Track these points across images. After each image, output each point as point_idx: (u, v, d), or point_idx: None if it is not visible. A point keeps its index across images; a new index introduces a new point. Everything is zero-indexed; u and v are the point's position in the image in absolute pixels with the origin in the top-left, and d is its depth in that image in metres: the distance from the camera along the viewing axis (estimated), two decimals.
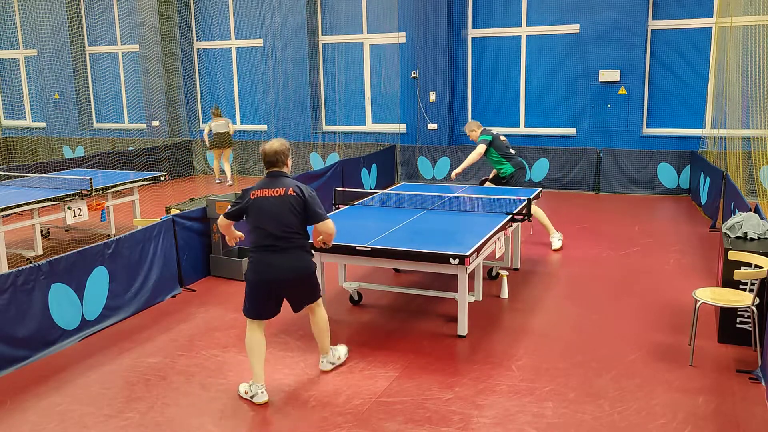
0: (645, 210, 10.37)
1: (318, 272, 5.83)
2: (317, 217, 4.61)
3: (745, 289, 5.09)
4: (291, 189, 4.56)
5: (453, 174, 8.29)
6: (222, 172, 14.06)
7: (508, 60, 13.01)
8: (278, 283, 4.58)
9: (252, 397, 4.57)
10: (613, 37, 11.69)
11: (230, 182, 13.32)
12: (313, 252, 4.73)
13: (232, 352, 5.37)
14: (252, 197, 4.58)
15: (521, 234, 8.02)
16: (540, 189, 7.73)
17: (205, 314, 6.25)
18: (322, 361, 5.05)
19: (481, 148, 8.13)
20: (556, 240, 8.20)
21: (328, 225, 4.66)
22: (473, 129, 8.41)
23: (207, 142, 13.44)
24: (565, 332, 5.62)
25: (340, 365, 5.09)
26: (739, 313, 5.16)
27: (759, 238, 5.35)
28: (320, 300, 4.89)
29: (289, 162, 4.72)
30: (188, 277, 7.09)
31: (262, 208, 4.54)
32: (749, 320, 5.13)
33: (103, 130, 16.51)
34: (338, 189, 7.23)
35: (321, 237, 4.79)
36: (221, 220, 4.76)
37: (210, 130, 13.38)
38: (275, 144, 4.64)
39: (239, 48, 15.16)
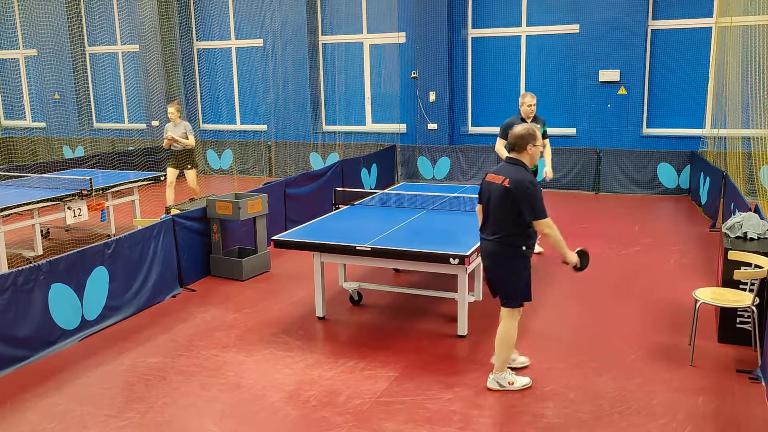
0: (645, 210, 10.37)
1: (318, 272, 5.87)
2: (532, 215, 4.35)
3: (745, 289, 5.09)
4: (507, 180, 4.39)
5: (548, 174, 7.50)
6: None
7: (508, 60, 13.01)
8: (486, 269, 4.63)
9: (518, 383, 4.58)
10: (613, 37, 11.69)
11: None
12: (524, 249, 4.47)
13: (232, 352, 5.37)
14: (485, 179, 4.60)
15: None
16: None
17: (205, 314, 6.25)
18: (489, 377, 4.67)
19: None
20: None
21: (542, 225, 4.38)
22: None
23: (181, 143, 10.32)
24: (565, 332, 5.62)
25: (508, 390, 4.59)
26: (739, 313, 5.16)
27: (759, 238, 5.35)
28: (510, 310, 4.54)
29: (530, 149, 4.46)
30: (188, 277, 7.08)
31: (485, 192, 4.56)
32: (749, 320, 5.13)
33: (103, 130, 16.51)
34: (338, 189, 7.23)
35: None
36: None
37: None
38: (518, 128, 4.52)
39: (239, 48, 15.16)
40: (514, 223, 4.42)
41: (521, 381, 4.64)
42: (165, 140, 10.00)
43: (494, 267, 4.57)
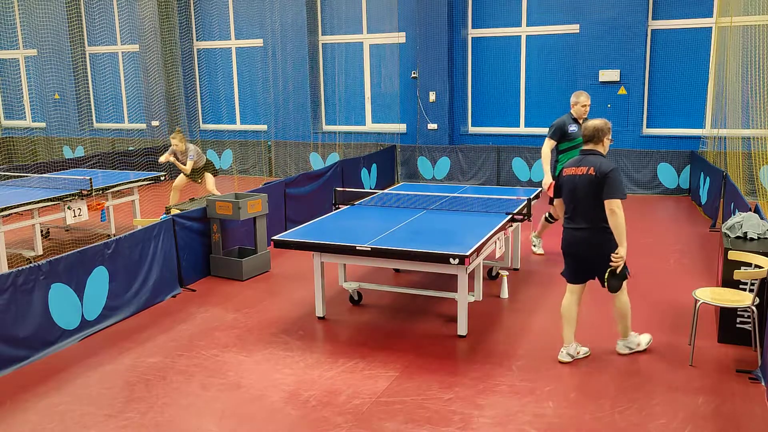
0: (645, 210, 10.37)
1: (318, 272, 5.87)
2: (608, 194, 4.66)
3: (745, 289, 5.09)
4: (591, 168, 4.73)
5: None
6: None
7: (508, 60, 13.01)
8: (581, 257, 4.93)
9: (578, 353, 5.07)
10: (613, 37, 11.69)
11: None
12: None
13: (232, 352, 5.37)
14: (564, 174, 4.93)
15: (521, 234, 8.02)
16: (540, 189, 7.72)
17: (205, 314, 6.25)
18: (619, 344, 5.17)
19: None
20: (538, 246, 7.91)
21: (612, 204, 4.65)
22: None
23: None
24: None
25: (638, 351, 5.14)
26: (739, 313, 5.16)
27: (759, 238, 5.35)
28: (623, 284, 4.92)
29: (605, 141, 4.87)
30: (188, 277, 7.09)
31: (569, 185, 4.89)
32: (749, 320, 5.13)
33: (103, 130, 16.51)
34: (338, 189, 7.23)
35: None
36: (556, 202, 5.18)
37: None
38: (596, 121, 4.89)
39: (239, 48, 15.16)
40: (603, 209, 4.72)
41: (645, 339, 5.22)
42: (165, 155, 9.73)
43: (591, 253, 4.86)
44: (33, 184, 8.81)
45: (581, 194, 4.79)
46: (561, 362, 5.03)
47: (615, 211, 4.64)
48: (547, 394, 4.55)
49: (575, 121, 7.19)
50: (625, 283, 4.93)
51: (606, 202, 4.66)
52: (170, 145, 9.82)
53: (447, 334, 5.61)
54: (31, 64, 17.25)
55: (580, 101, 7.13)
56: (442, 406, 4.42)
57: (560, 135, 7.17)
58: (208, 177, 10.04)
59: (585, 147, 4.90)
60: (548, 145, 7.20)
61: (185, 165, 9.79)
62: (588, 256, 4.88)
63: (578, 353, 5.10)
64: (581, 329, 5.55)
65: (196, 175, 10.00)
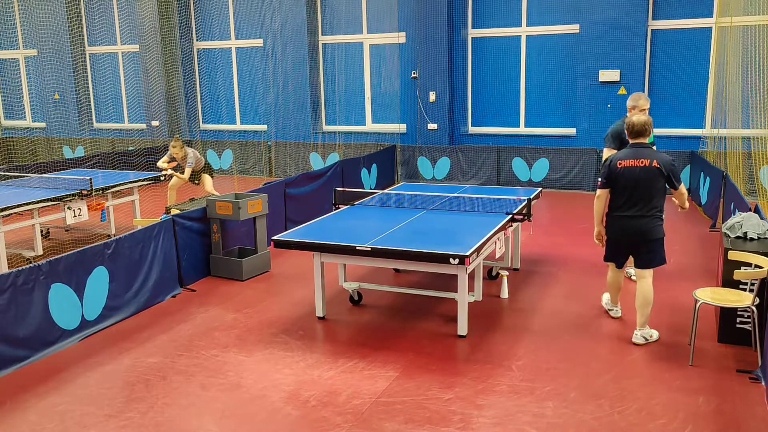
0: None
1: (318, 272, 5.87)
2: (678, 181, 5.31)
3: (745, 289, 5.09)
4: (655, 161, 5.24)
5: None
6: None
7: (508, 60, 13.01)
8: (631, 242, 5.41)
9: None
10: (613, 37, 11.69)
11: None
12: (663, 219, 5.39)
13: (232, 352, 5.37)
14: (619, 166, 5.29)
15: (521, 234, 8.02)
16: (540, 189, 7.73)
17: (205, 314, 6.25)
18: (636, 334, 5.40)
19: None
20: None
21: (682, 190, 5.34)
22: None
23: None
24: (565, 332, 5.62)
25: (652, 342, 5.37)
26: (739, 313, 5.16)
27: (759, 238, 5.35)
28: (651, 271, 5.38)
29: (648, 135, 5.36)
30: (188, 277, 7.08)
31: (628, 176, 5.27)
32: (749, 320, 5.13)
33: (103, 130, 16.51)
34: (338, 189, 7.23)
35: (677, 201, 5.48)
36: (598, 193, 5.48)
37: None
38: (642, 117, 5.30)
39: (239, 48, 15.17)
40: (661, 197, 5.31)
41: (656, 333, 5.47)
42: (163, 161, 9.91)
43: (645, 238, 5.32)
44: (33, 184, 8.80)
45: (643, 185, 5.24)
46: (635, 344, 5.37)
47: (684, 191, 5.38)
48: (547, 394, 4.55)
49: None
50: (653, 270, 5.38)
51: (676, 190, 5.32)
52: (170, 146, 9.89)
53: (447, 334, 5.61)
54: (31, 64, 17.26)
55: (639, 105, 6.19)
56: (442, 406, 4.42)
57: (619, 143, 6.24)
58: (206, 178, 10.13)
59: (636, 140, 5.32)
60: (608, 154, 6.23)
61: (198, 165, 9.93)
62: (639, 241, 5.34)
63: (651, 336, 5.39)
64: (578, 336, 5.55)
65: (194, 177, 10.05)
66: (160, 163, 10.05)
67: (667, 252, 7.55)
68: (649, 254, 5.33)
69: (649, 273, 5.36)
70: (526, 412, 4.31)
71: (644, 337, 5.35)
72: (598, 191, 5.48)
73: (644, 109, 6.25)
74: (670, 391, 4.55)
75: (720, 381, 4.66)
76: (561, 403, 4.41)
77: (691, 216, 9.89)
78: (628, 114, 6.29)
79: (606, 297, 6.08)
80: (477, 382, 4.74)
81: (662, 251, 5.34)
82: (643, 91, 11.86)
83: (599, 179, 5.48)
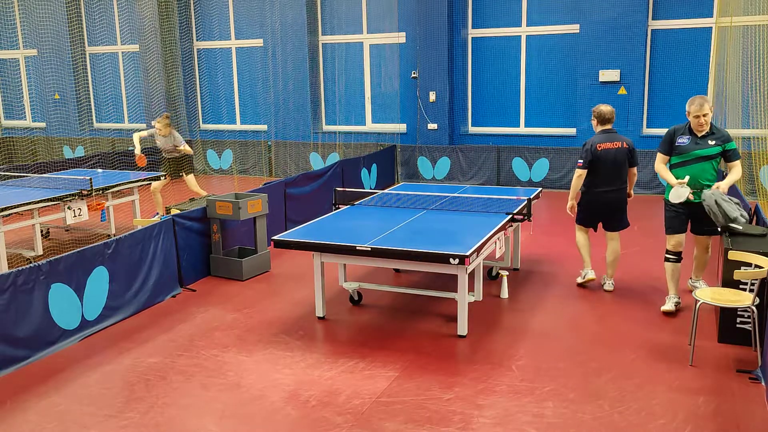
0: (645, 210, 10.36)
1: (318, 272, 5.88)
2: (636, 161, 6.49)
3: (745, 289, 5.09)
4: (624, 142, 6.36)
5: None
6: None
7: (508, 60, 13.01)
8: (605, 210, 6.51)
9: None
10: (613, 37, 11.69)
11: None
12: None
13: (232, 352, 5.38)
14: (599, 149, 6.27)
15: (521, 234, 8.02)
16: (540, 189, 7.73)
17: (205, 314, 6.25)
18: (609, 282, 6.61)
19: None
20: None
21: (635, 171, 6.54)
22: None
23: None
24: (565, 332, 5.62)
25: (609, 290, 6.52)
26: (739, 313, 5.16)
27: (743, 217, 5.41)
28: (619, 233, 6.59)
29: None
30: (188, 277, 7.09)
31: (606, 157, 6.29)
32: (749, 320, 5.13)
33: (103, 130, 16.51)
34: (338, 189, 7.23)
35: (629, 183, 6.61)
36: (579, 173, 6.38)
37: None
38: (609, 107, 6.41)
39: (239, 48, 15.17)
40: (626, 172, 6.44)
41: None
42: (138, 157, 9.96)
43: (617, 208, 6.48)
44: (33, 184, 8.81)
45: (619, 164, 6.31)
46: (607, 291, 6.58)
47: (635, 174, 6.56)
48: (547, 394, 4.55)
49: (691, 132, 5.74)
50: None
51: (635, 167, 6.49)
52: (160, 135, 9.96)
53: (447, 334, 5.61)
54: (31, 64, 17.25)
55: (692, 111, 5.64)
56: (442, 406, 4.42)
57: (668, 147, 5.88)
58: (189, 179, 10.27)
59: (605, 126, 6.38)
60: (661, 161, 5.94)
61: (174, 151, 10.08)
62: (614, 210, 6.46)
63: (585, 276, 6.64)
64: (578, 336, 5.55)
65: (171, 164, 10.16)
66: (135, 135, 10.03)
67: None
68: (621, 220, 6.52)
69: (618, 235, 6.60)
70: (526, 412, 4.31)
71: (612, 284, 6.57)
72: (579, 171, 6.34)
73: (698, 116, 5.59)
74: (670, 391, 4.55)
75: (720, 381, 4.66)
76: (561, 403, 4.41)
77: None
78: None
79: (582, 275, 6.73)
80: (477, 382, 4.74)
81: (627, 217, 6.56)
82: (643, 91, 11.86)
83: (579, 161, 6.32)
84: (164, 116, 10.01)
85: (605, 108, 6.34)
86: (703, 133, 5.65)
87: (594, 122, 6.48)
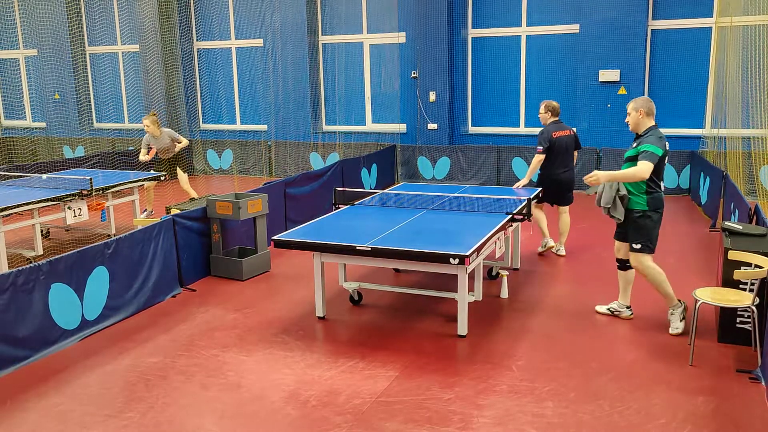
0: None
1: (318, 272, 5.88)
2: (579, 144, 7.84)
3: (745, 289, 5.09)
4: (571, 130, 7.70)
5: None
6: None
7: (508, 60, 13.02)
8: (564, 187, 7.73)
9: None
10: (613, 37, 11.70)
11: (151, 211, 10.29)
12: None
13: (233, 352, 5.38)
14: (554, 136, 7.47)
15: (521, 234, 8.02)
16: (540, 189, 7.72)
17: (205, 314, 6.25)
18: (560, 248, 7.88)
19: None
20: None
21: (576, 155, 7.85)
22: None
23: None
24: (565, 332, 5.62)
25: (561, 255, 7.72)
26: (739, 312, 5.16)
27: (604, 208, 5.46)
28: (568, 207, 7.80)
29: None
30: (188, 277, 7.09)
31: (560, 143, 7.53)
32: (749, 320, 5.13)
33: (103, 130, 16.51)
34: (338, 189, 7.23)
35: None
36: (540, 157, 7.53)
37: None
38: (557, 102, 7.76)
39: (239, 48, 15.17)
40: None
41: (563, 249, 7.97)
42: (143, 153, 9.97)
43: (569, 186, 7.73)
44: (33, 184, 8.81)
45: (570, 148, 7.63)
46: (560, 255, 7.90)
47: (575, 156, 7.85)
48: (547, 394, 4.55)
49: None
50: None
51: (577, 151, 7.83)
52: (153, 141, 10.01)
53: (447, 334, 5.61)
54: (31, 64, 17.26)
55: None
56: (442, 406, 4.42)
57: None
58: (182, 176, 10.32)
59: (556, 118, 7.62)
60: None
61: (171, 149, 10.11)
62: (568, 188, 7.71)
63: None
64: (578, 336, 5.55)
65: (171, 164, 10.22)
66: (142, 157, 10.03)
67: (667, 252, 7.66)
68: (570, 197, 7.77)
69: (568, 208, 7.80)
70: (526, 412, 4.31)
71: (564, 250, 7.83)
72: (539, 156, 7.47)
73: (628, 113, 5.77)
74: (670, 391, 4.55)
75: (720, 381, 4.67)
76: (561, 403, 4.41)
77: (691, 216, 9.89)
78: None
79: (543, 244, 7.86)
80: (477, 382, 4.74)
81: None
82: (643, 92, 11.87)
83: (539, 147, 7.47)
84: (151, 113, 10.01)
85: (556, 103, 7.67)
86: (637, 133, 5.59)
87: (547, 115, 7.63)
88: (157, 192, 12.07)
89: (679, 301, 5.55)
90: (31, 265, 5.23)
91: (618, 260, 5.81)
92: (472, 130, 13.47)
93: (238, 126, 15.45)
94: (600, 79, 11.88)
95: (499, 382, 4.73)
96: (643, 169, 5.19)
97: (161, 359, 5.26)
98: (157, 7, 14.92)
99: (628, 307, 5.89)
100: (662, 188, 5.45)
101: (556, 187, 7.61)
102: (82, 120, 16.62)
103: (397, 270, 7.39)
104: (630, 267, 5.70)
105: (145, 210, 10.04)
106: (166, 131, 10.07)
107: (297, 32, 14.08)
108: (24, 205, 7.51)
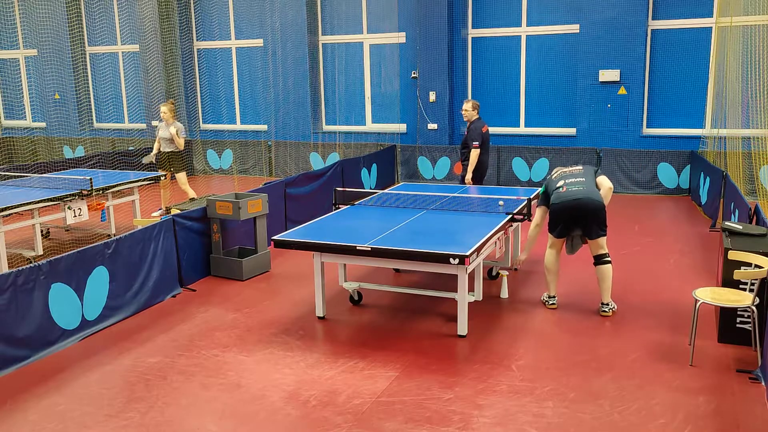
0: (645, 210, 10.37)
1: (318, 272, 5.88)
2: None
3: (745, 289, 5.09)
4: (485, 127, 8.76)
5: None
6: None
7: (508, 60, 13.01)
8: None
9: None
10: (613, 37, 11.70)
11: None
12: None
13: (232, 352, 5.38)
14: (484, 131, 8.57)
15: (521, 234, 8.02)
16: (540, 189, 7.71)
17: (205, 314, 6.25)
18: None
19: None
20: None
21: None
22: None
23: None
24: (565, 332, 5.62)
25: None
26: (739, 312, 5.16)
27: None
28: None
29: None
30: (188, 277, 7.09)
31: (486, 136, 8.67)
32: (749, 320, 5.13)
33: (103, 130, 16.51)
34: (338, 189, 7.23)
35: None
36: (480, 151, 8.57)
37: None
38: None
39: (239, 48, 15.17)
40: None
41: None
42: (150, 157, 10.39)
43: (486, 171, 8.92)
44: (33, 184, 8.81)
45: (489, 140, 8.82)
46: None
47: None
48: (547, 394, 4.55)
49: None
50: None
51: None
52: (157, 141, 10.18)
53: (447, 334, 5.61)
54: (31, 64, 17.26)
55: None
56: (442, 406, 4.42)
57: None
58: (180, 176, 10.40)
59: (479, 115, 8.72)
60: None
61: (170, 142, 10.20)
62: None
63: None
64: (578, 336, 5.55)
65: (172, 163, 10.31)
66: (146, 159, 10.45)
67: (667, 252, 7.69)
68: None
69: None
70: (526, 412, 4.31)
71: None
72: (478, 150, 8.47)
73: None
74: (670, 391, 4.55)
75: (720, 381, 4.67)
76: (561, 403, 4.41)
77: (691, 216, 9.89)
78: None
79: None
80: (477, 382, 4.74)
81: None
82: (643, 91, 11.87)
83: (475, 143, 8.47)
84: (169, 101, 10.37)
85: (477, 103, 8.81)
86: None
87: (474, 112, 8.65)
88: (156, 192, 12.07)
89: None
90: (31, 265, 5.23)
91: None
92: None
93: (238, 126, 15.45)
94: (600, 79, 11.88)
95: (499, 382, 4.73)
96: None
97: (161, 359, 5.26)
98: (157, 7, 14.92)
99: (607, 304, 6.12)
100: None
101: (484, 172, 8.85)
102: (82, 120, 16.62)
103: (397, 270, 7.39)
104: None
105: (160, 209, 10.14)
106: (177, 124, 10.25)
107: (297, 32, 14.09)
108: (24, 205, 7.51)
